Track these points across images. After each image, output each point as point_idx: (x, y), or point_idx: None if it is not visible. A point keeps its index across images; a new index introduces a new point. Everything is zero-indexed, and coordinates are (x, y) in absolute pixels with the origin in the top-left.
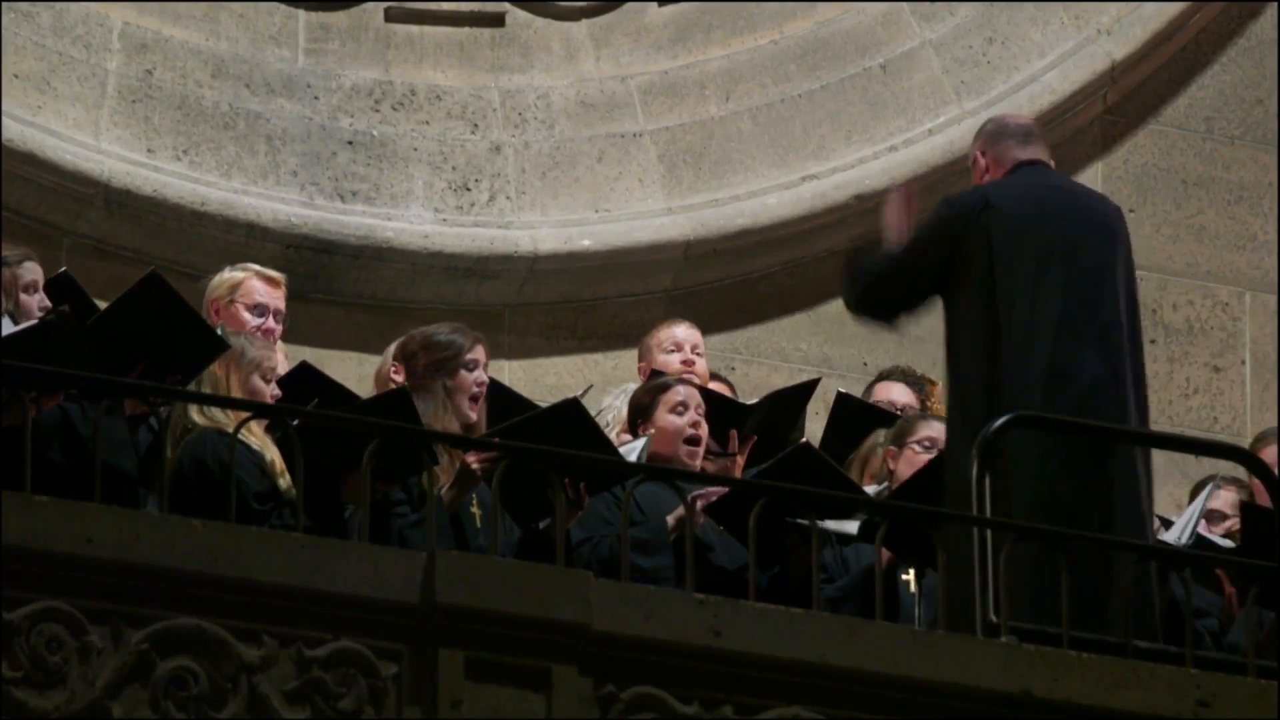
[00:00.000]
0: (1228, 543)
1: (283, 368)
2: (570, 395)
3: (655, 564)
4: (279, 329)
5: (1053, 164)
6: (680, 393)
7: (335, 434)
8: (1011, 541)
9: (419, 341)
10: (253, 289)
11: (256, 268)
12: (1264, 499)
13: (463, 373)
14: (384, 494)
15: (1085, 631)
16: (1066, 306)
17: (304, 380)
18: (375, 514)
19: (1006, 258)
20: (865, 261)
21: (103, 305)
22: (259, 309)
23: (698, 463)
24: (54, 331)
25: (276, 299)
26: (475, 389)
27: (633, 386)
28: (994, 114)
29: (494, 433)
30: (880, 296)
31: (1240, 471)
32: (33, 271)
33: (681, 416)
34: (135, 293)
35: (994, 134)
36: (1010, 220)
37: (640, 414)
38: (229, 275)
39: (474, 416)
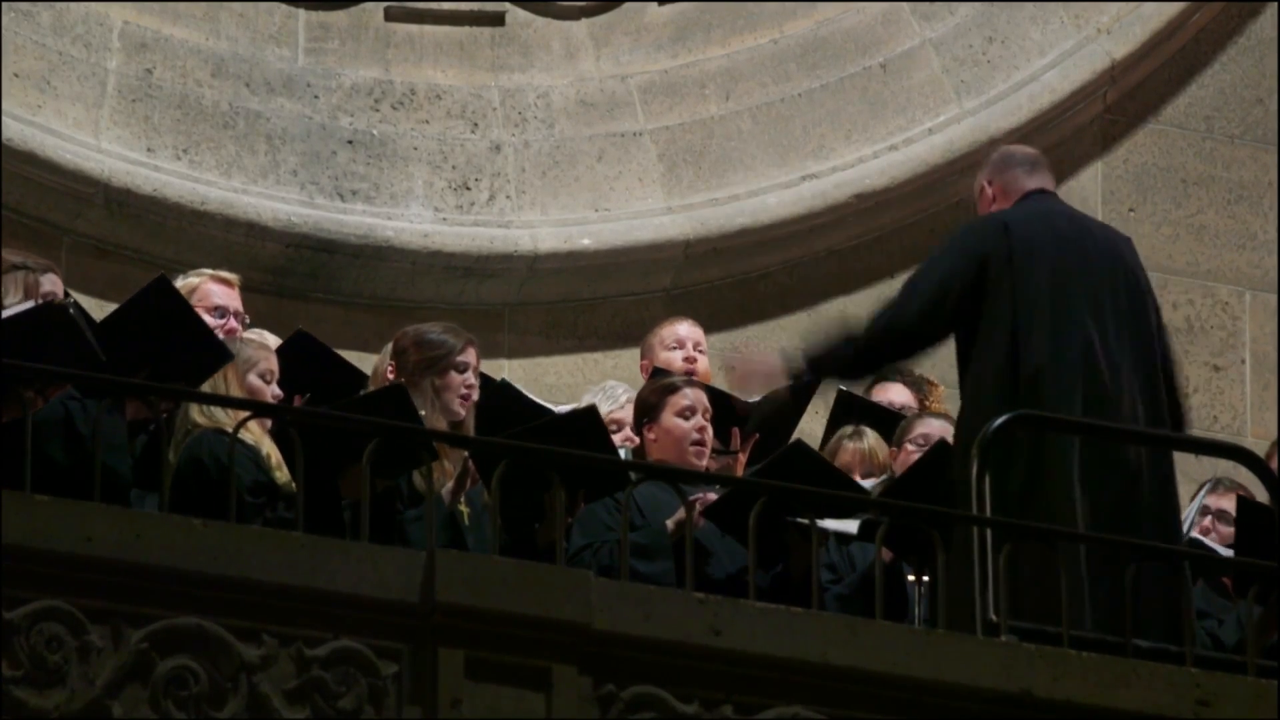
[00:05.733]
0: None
1: (274, 362)
2: (568, 395)
3: (656, 569)
4: (240, 328)
5: (1057, 193)
6: (688, 396)
7: (335, 431)
8: (1013, 541)
9: (410, 339)
10: (209, 292)
11: (210, 271)
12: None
13: (452, 373)
14: (385, 489)
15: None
16: (1083, 328)
17: (302, 350)
18: (378, 508)
19: (1025, 277)
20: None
21: (99, 305)
22: (218, 311)
23: (703, 463)
24: (47, 318)
25: (234, 299)
26: (464, 390)
27: (612, 384)
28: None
29: (511, 435)
30: (899, 333)
31: (1241, 472)
32: (52, 284)
33: (689, 421)
34: (142, 296)
35: (1000, 163)
36: (1028, 244)
37: (646, 414)
38: (184, 282)
39: (462, 414)
